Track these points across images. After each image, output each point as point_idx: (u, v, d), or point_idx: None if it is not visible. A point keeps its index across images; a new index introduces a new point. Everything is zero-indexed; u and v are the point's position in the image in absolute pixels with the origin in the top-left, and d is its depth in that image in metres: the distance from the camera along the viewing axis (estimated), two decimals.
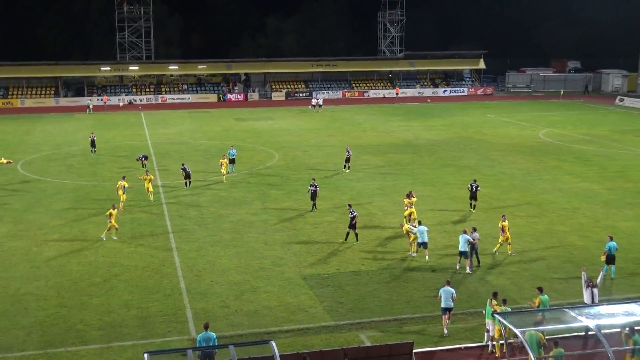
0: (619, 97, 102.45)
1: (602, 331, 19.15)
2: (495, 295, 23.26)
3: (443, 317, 24.44)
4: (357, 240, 34.17)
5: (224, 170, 47.36)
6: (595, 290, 24.29)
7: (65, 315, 25.76)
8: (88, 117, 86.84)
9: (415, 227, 32.14)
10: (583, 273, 25.35)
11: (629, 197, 42.81)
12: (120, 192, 40.50)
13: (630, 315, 21.95)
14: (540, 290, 24.12)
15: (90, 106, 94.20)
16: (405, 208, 36.33)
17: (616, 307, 22.78)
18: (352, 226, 33.92)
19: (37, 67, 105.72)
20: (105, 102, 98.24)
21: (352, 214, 33.98)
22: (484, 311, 23.50)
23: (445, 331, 24.35)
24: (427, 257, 31.08)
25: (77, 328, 24.68)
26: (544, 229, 35.79)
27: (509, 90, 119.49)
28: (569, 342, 22.84)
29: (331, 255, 32.17)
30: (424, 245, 31.10)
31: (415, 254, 31.97)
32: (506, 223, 31.84)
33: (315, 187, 39.58)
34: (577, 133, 69.65)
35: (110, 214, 34.45)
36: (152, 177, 43.31)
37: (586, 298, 24.46)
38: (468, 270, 29.73)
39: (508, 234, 31.69)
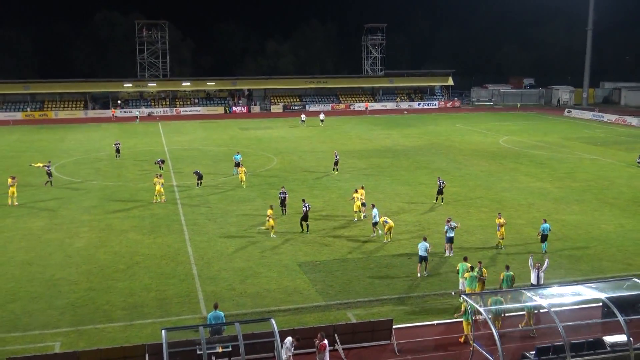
0: (567, 109, 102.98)
1: (552, 309, 19.24)
2: (465, 259, 25.41)
3: (419, 264, 27.90)
4: (308, 230, 34.39)
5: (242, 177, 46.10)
6: (542, 274, 24.46)
7: (93, 297, 25.75)
8: (113, 126, 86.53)
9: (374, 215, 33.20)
10: (530, 259, 25.63)
11: (575, 195, 43.03)
12: (158, 187, 41.30)
13: (576, 295, 22.16)
14: (507, 267, 24.89)
15: (138, 116, 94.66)
16: (354, 201, 37.11)
17: (565, 288, 22.98)
18: (305, 218, 34.44)
19: (69, 84, 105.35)
20: (113, 114, 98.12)
21: (305, 207, 34.63)
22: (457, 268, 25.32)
23: (419, 274, 27.75)
24: (425, 272, 28.00)
25: (104, 308, 24.67)
26: (504, 222, 35.91)
27: (473, 104, 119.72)
28: (524, 318, 22.95)
29: (322, 246, 32.20)
30: (424, 259, 27.93)
31: (386, 242, 32.35)
32: (502, 220, 31.32)
33: (285, 194, 38.06)
34: (531, 140, 69.90)
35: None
36: (162, 181, 42.55)
37: (533, 279, 24.63)
38: (448, 253, 30.22)
39: (503, 230, 31.30)
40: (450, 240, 30.33)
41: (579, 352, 18.82)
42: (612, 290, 21.75)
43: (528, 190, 44.51)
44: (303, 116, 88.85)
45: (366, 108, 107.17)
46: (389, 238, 32.49)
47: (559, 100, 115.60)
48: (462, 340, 22.16)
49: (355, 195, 37.55)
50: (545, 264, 24.94)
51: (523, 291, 21.78)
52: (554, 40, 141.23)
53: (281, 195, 37.95)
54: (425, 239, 28.36)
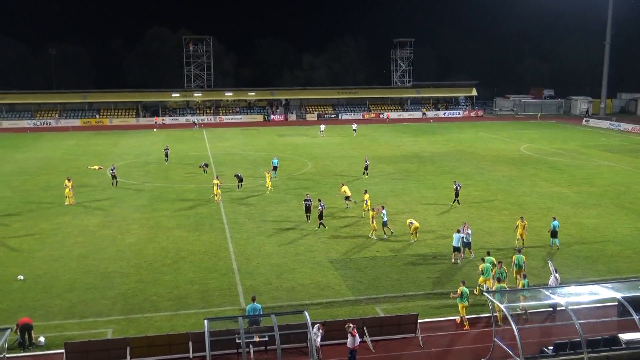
0: (585, 119, 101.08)
1: (569, 307, 18.90)
2: (488, 253, 25.97)
3: (453, 253, 28.94)
4: (325, 227, 34.67)
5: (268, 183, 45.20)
6: (558, 276, 23.90)
7: (142, 288, 26.05)
8: (161, 132, 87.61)
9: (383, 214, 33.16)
10: (550, 263, 24.92)
11: (593, 199, 42.18)
12: (215, 189, 41.86)
13: (593, 294, 21.74)
14: (519, 251, 25.98)
15: (197, 123, 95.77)
16: (365, 201, 37.21)
17: (582, 287, 22.59)
18: (320, 217, 34.68)
19: (122, 93, 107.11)
20: (155, 122, 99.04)
21: (320, 207, 34.97)
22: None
23: (453, 260, 28.92)
24: (461, 259, 29.19)
25: (152, 299, 24.94)
26: (546, 233, 35.28)
27: (496, 113, 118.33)
28: (543, 316, 22.59)
29: (353, 244, 32.12)
30: (457, 249, 28.92)
31: (412, 241, 32.05)
32: (524, 223, 30.69)
33: (310, 201, 36.29)
34: (551, 147, 68.76)
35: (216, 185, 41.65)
36: (219, 182, 43.01)
37: (551, 282, 23.82)
38: (457, 261, 29.18)
39: (523, 232, 30.70)
40: (456, 249, 29.24)
41: (595, 349, 18.44)
42: (628, 290, 21.32)
43: (547, 194, 43.77)
44: (322, 126, 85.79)
45: (387, 117, 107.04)
46: (415, 238, 32.22)
47: (587, 110, 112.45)
48: (457, 321, 22.45)
49: (366, 196, 37.30)
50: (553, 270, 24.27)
51: (542, 289, 21.43)
52: (573, 53, 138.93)
53: (306, 203, 36.38)
54: (458, 231, 29.03)
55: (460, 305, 22.13)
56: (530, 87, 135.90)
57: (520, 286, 23.69)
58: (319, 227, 34.62)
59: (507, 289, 23.31)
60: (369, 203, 36.76)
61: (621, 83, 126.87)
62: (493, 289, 23.22)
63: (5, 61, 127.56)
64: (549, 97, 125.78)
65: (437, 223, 36.10)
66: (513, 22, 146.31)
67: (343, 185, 40.85)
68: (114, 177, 47.52)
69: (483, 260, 25.01)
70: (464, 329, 22.16)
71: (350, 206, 39.50)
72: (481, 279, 24.60)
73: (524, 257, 25.52)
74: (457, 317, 22.62)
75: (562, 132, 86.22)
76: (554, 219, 31.94)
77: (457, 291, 22.32)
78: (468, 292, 22.24)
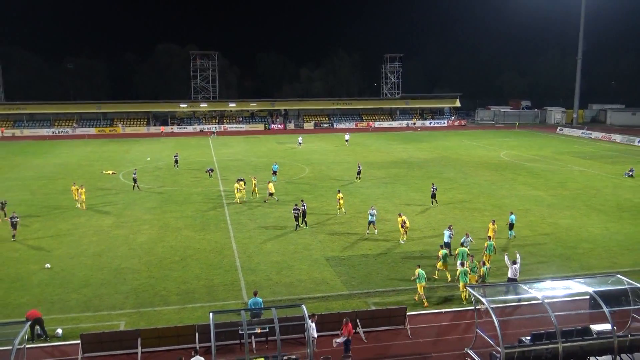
0: (559, 128, 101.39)
1: (545, 300, 18.94)
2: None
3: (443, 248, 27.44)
4: (307, 225, 35.04)
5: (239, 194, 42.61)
6: (518, 267, 24.23)
7: (153, 284, 26.00)
8: (169, 140, 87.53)
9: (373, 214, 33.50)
10: (506, 256, 25.41)
11: (567, 202, 42.29)
12: (236, 192, 42.17)
13: (567, 288, 21.80)
14: (489, 238, 27.78)
15: (215, 132, 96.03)
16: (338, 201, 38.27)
17: (557, 283, 22.61)
18: (303, 215, 34.93)
19: (134, 104, 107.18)
20: (162, 131, 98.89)
21: (303, 206, 35.13)
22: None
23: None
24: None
25: (161, 294, 24.89)
26: (504, 225, 35.39)
27: (478, 122, 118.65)
28: (521, 308, 22.62)
29: (347, 243, 32.12)
30: (447, 245, 28.72)
31: (402, 242, 31.93)
32: (494, 226, 30.45)
33: (298, 211, 34.57)
34: (528, 154, 68.93)
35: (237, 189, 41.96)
36: (255, 183, 43.38)
37: (510, 274, 24.12)
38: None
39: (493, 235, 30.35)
40: (447, 245, 29.05)
41: (569, 338, 18.46)
42: (599, 285, 21.37)
43: (525, 197, 43.86)
44: (300, 138, 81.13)
45: (370, 126, 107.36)
46: (404, 238, 32.13)
47: (572, 120, 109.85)
48: (416, 298, 23.86)
49: (338, 195, 38.58)
50: (519, 259, 24.56)
51: (520, 285, 21.46)
52: (548, 67, 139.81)
53: (295, 212, 34.71)
54: (449, 228, 29.37)
55: (418, 285, 23.57)
56: (509, 99, 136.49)
57: (481, 272, 24.55)
58: (301, 224, 34.83)
59: (488, 283, 23.34)
60: (341, 202, 38.11)
61: (592, 95, 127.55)
62: (470, 282, 23.50)
63: (26, 74, 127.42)
64: (526, 108, 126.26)
65: (424, 223, 36.13)
66: (494, 39, 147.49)
67: (269, 182, 42.78)
68: (135, 180, 47.52)
69: (441, 247, 26.99)
70: (425, 306, 23.37)
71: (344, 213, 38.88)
72: (439, 264, 26.21)
73: (493, 243, 27.39)
74: (416, 296, 23.96)
75: (539, 140, 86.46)
76: (511, 213, 33.60)
77: (415, 273, 23.66)
78: (424, 274, 23.72)
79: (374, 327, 21.40)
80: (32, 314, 20.70)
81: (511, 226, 32.81)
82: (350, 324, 19.22)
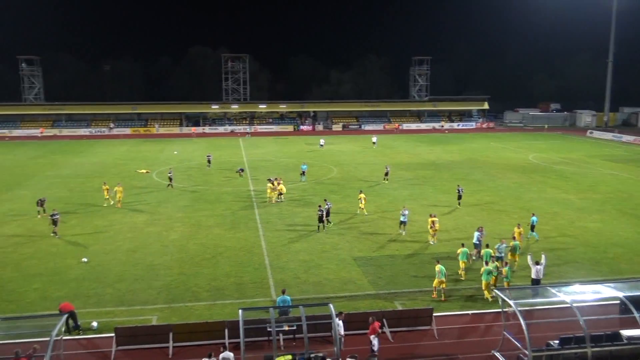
0: (589, 131, 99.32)
1: (574, 305, 18.55)
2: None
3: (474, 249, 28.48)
4: (331, 223, 35.32)
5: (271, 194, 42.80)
6: (541, 268, 24.00)
7: (184, 280, 26.27)
8: (201, 140, 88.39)
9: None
10: (529, 257, 24.90)
11: (597, 205, 41.37)
12: (269, 191, 42.57)
13: (596, 293, 21.29)
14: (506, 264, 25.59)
15: (250, 132, 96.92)
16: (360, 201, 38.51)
17: (586, 287, 22.14)
18: (327, 214, 35.00)
19: (168, 105, 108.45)
20: (194, 131, 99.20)
21: (327, 205, 35.37)
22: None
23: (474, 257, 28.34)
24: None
25: (193, 290, 25.13)
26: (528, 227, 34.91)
27: (506, 125, 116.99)
28: (549, 312, 22.19)
29: (374, 243, 31.98)
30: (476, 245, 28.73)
31: (433, 243, 31.64)
32: (520, 229, 30.10)
33: (322, 211, 34.15)
34: (557, 157, 67.68)
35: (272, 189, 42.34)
36: (275, 186, 43.17)
37: (533, 274, 23.94)
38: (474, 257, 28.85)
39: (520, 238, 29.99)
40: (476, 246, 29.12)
41: (598, 343, 18.05)
42: (629, 289, 20.82)
43: (554, 200, 43.05)
44: (322, 140, 79.36)
45: (397, 128, 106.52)
46: (434, 240, 31.79)
47: (604, 123, 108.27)
48: (434, 295, 24.11)
49: (270, 185, 40.62)
50: (544, 260, 24.26)
51: (548, 288, 21.07)
52: (579, 70, 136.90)
53: (320, 212, 34.43)
54: (480, 229, 29.22)
55: (436, 280, 23.96)
56: (538, 102, 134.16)
57: (504, 272, 24.28)
58: (326, 224, 34.87)
59: (515, 286, 22.96)
60: (363, 202, 38.16)
61: (623, 98, 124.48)
62: (496, 284, 23.45)
63: (65, 76, 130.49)
64: (556, 111, 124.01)
65: (451, 225, 35.75)
66: (523, 42, 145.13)
67: (279, 183, 42.74)
68: (170, 179, 48.14)
69: (462, 245, 27.14)
70: (442, 300, 23.75)
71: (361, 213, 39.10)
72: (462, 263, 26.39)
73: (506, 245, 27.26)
74: (434, 293, 24.29)
75: (568, 142, 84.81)
76: (533, 214, 33.42)
77: (436, 268, 24.10)
78: (444, 270, 23.87)
79: (400, 327, 21.25)
80: (65, 306, 21.14)
81: (532, 227, 32.64)
82: (376, 323, 19.10)
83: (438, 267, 23.91)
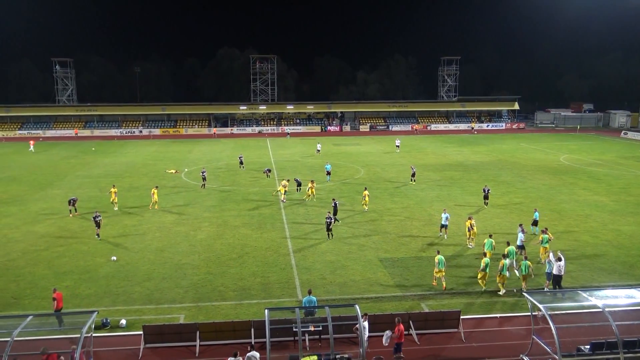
0: (623, 131, 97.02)
1: (606, 309, 18.10)
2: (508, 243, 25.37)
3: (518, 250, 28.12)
4: (339, 221, 35.67)
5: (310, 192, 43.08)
6: (562, 263, 23.89)
7: (211, 279, 26.46)
8: (229, 141, 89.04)
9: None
10: (551, 254, 24.64)
11: (630, 208, 40.37)
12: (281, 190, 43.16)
13: (630, 297, 20.74)
14: (508, 243, 27.21)
15: (289, 133, 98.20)
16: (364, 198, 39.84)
17: (618, 291, 21.62)
18: (334, 212, 35.55)
19: (196, 106, 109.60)
20: (214, 133, 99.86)
21: (335, 203, 36.19)
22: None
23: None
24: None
25: (219, 289, 25.29)
26: (563, 230, 34.24)
27: (537, 126, 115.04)
28: (580, 316, 21.71)
29: (400, 245, 31.76)
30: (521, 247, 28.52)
31: (471, 246, 31.19)
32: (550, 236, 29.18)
33: (330, 219, 32.96)
34: (590, 158, 66.28)
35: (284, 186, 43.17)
36: (313, 186, 43.45)
37: (555, 270, 23.83)
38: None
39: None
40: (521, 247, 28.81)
41: (632, 349, 17.58)
42: None
43: (585, 202, 42.16)
44: (319, 145, 74.16)
45: (414, 129, 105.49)
46: (472, 243, 31.24)
47: (638, 124, 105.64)
48: (434, 283, 25.33)
49: (364, 192, 40.19)
50: (562, 257, 24.12)
51: (580, 292, 20.60)
52: (612, 69, 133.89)
53: (327, 220, 33.15)
54: (490, 236, 28.41)
55: (435, 270, 25.13)
56: (570, 102, 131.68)
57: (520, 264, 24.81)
58: (337, 222, 35.32)
59: (546, 290, 22.53)
60: (367, 199, 39.50)
61: None
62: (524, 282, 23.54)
63: (97, 78, 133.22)
64: (588, 111, 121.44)
65: (479, 226, 35.22)
66: (554, 40, 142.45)
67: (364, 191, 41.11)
68: (204, 178, 48.66)
69: (483, 255, 26.78)
70: (443, 288, 24.84)
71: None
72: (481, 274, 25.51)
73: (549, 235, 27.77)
74: (434, 280, 25.52)
75: (601, 144, 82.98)
76: (535, 210, 34.31)
77: (435, 259, 25.27)
78: (444, 260, 25.15)
79: (427, 330, 21.05)
80: (58, 296, 21.50)
81: (535, 222, 33.24)
82: (401, 325, 18.93)
83: (437, 257, 25.16)
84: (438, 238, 32.83)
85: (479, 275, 25.00)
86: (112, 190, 41.26)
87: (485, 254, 26.09)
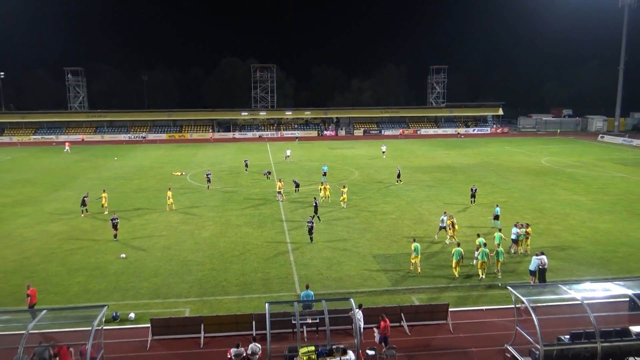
0: (600, 135, 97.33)
1: (585, 301, 18.19)
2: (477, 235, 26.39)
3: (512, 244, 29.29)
4: (320, 220, 35.83)
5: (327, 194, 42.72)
6: (544, 257, 24.24)
7: (215, 275, 26.48)
8: (232, 145, 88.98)
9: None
10: (534, 257, 24.67)
11: (607, 206, 40.54)
12: (278, 186, 43.37)
13: (606, 290, 20.85)
14: (478, 235, 27.98)
15: (298, 136, 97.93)
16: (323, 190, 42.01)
17: (596, 284, 21.70)
18: (315, 211, 36.16)
19: (201, 112, 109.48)
20: (211, 137, 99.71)
21: (315, 202, 36.76)
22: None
23: (512, 251, 29.35)
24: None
25: (222, 284, 25.31)
26: (544, 228, 34.36)
27: (520, 130, 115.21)
28: (560, 308, 21.81)
29: (392, 242, 31.83)
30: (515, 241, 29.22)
31: (448, 242, 31.28)
32: (529, 230, 29.65)
33: (311, 223, 31.76)
34: (569, 160, 66.47)
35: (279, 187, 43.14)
36: (328, 187, 43.14)
37: (540, 264, 24.06)
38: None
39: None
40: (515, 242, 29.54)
41: (608, 339, 17.68)
42: (638, 287, 20.37)
43: (565, 202, 42.30)
44: (288, 152, 69.56)
45: (402, 133, 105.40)
46: (453, 239, 31.42)
47: (616, 128, 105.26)
48: (411, 268, 26.62)
49: (343, 189, 40.91)
50: (544, 258, 24.29)
51: (559, 285, 20.69)
52: (590, 77, 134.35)
53: (308, 225, 31.97)
54: (458, 245, 27.01)
55: (412, 256, 26.46)
56: (550, 107, 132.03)
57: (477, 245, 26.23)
58: (318, 220, 35.43)
59: (525, 284, 22.59)
60: (344, 195, 40.31)
61: (633, 103, 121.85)
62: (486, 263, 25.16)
63: (107, 85, 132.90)
64: (568, 116, 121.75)
65: (466, 225, 35.35)
66: (536, 51, 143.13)
67: (343, 188, 41.68)
68: (209, 180, 48.60)
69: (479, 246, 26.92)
70: (418, 272, 26.12)
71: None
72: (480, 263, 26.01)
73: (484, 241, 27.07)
74: (411, 265, 26.77)
75: (580, 147, 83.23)
76: (497, 205, 35.42)
77: (412, 246, 26.52)
78: (419, 247, 26.43)
79: (417, 321, 21.10)
80: (32, 292, 21.41)
81: (496, 217, 34.03)
82: (387, 320, 18.94)
83: (413, 245, 26.48)
84: (436, 239, 32.11)
85: (479, 265, 25.71)
86: (103, 195, 40.57)
87: (484, 245, 26.21)
